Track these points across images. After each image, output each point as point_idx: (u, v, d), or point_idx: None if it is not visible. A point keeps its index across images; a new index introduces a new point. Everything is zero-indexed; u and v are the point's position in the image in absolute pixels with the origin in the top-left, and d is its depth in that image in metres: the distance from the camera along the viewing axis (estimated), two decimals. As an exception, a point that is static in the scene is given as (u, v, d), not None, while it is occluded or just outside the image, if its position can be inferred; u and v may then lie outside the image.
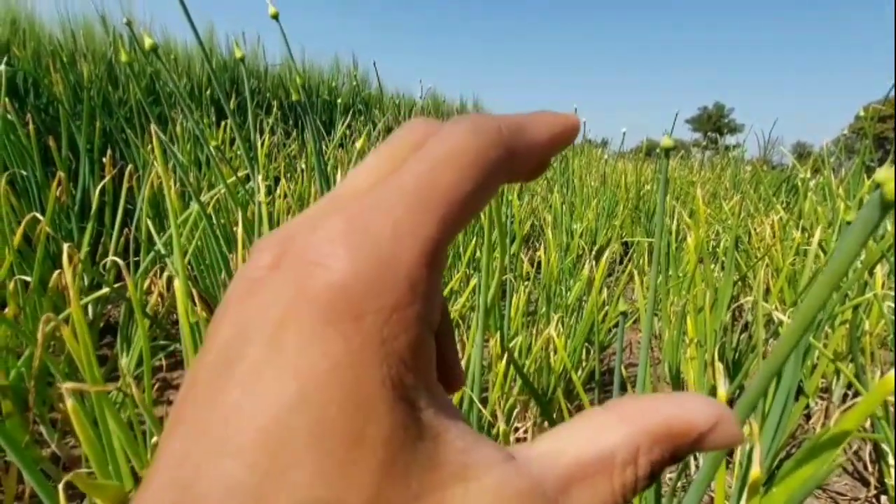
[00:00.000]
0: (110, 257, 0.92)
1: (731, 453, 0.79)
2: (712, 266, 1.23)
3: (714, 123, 76.31)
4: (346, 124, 2.08)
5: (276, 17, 0.84)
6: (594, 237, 1.73)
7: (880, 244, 0.78)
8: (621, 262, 1.69)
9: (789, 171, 2.69)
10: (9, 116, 1.19)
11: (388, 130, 3.19)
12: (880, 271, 1.01)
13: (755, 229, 1.60)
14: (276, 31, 0.91)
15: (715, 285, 1.04)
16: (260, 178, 0.87)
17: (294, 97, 2.24)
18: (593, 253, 1.58)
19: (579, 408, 1.06)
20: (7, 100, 1.21)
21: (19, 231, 0.87)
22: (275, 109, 2.30)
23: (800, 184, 1.87)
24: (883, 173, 0.20)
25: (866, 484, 0.91)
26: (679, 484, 0.81)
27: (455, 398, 0.71)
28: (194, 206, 0.93)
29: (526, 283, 1.19)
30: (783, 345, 0.27)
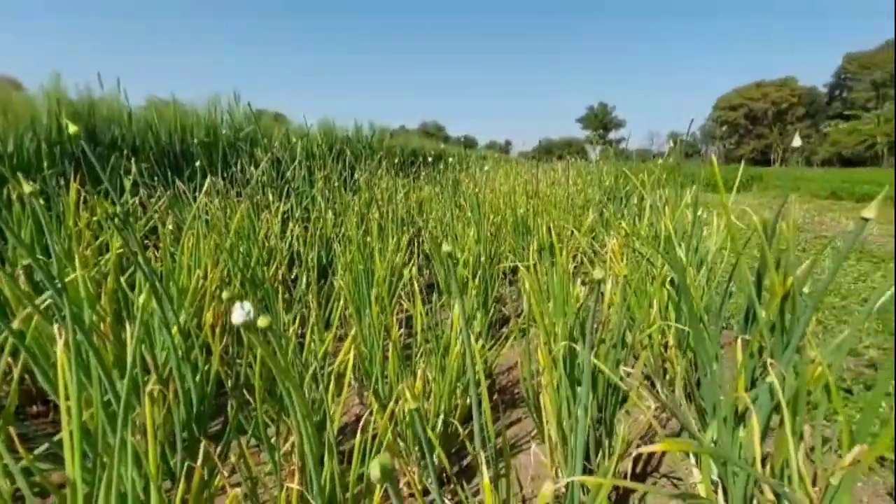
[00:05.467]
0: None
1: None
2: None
3: (601, 120, 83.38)
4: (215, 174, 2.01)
5: (77, 135, 0.79)
6: (478, 265, 1.85)
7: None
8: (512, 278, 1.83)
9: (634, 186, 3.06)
10: None
11: (277, 163, 3.12)
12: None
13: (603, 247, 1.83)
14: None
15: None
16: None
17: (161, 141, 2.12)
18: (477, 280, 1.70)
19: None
20: None
21: None
22: (131, 163, 2.16)
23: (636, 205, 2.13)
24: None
25: None
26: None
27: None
28: None
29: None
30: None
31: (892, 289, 0.89)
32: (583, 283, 1.39)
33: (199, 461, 0.63)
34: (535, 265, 1.67)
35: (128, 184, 1.71)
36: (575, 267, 2.20)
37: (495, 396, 1.43)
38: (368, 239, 1.91)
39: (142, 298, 0.63)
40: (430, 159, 4.44)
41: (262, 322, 0.43)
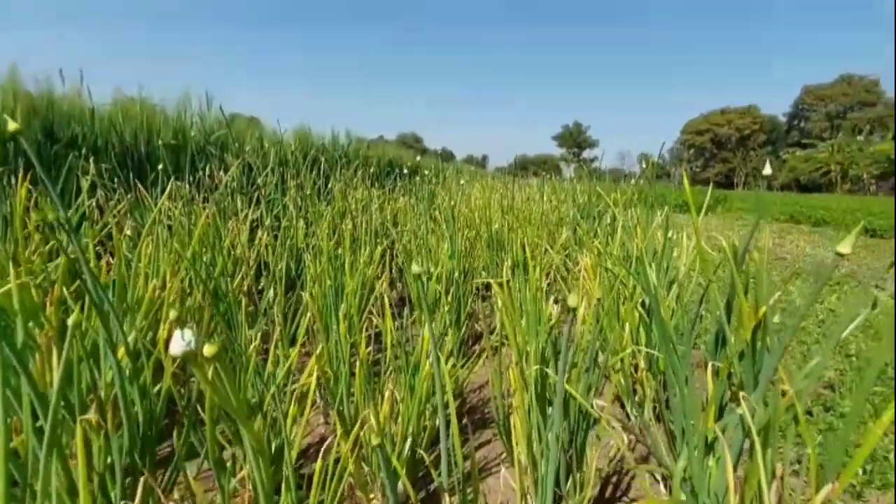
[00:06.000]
0: None
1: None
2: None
3: (575, 139, 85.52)
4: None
5: (18, 131, 0.71)
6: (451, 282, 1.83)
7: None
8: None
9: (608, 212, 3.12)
10: None
11: (248, 169, 3.02)
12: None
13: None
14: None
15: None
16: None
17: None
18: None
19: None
20: None
21: None
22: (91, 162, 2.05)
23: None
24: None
25: None
26: None
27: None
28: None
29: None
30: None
31: (856, 320, 0.91)
32: (555, 301, 1.38)
33: (139, 497, 0.57)
34: (508, 282, 1.66)
35: (85, 184, 1.61)
36: (548, 284, 2.20)
37: (464, 420, 1.39)
38: (340, 251, 1.86)
39: (72, 319, 0.57)
40: (405, 171, 4.41)
41: (209, 351, 0.39)
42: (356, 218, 2.41)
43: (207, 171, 2.29)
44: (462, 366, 1.38)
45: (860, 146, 47.59)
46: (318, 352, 0.97)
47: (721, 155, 70.26)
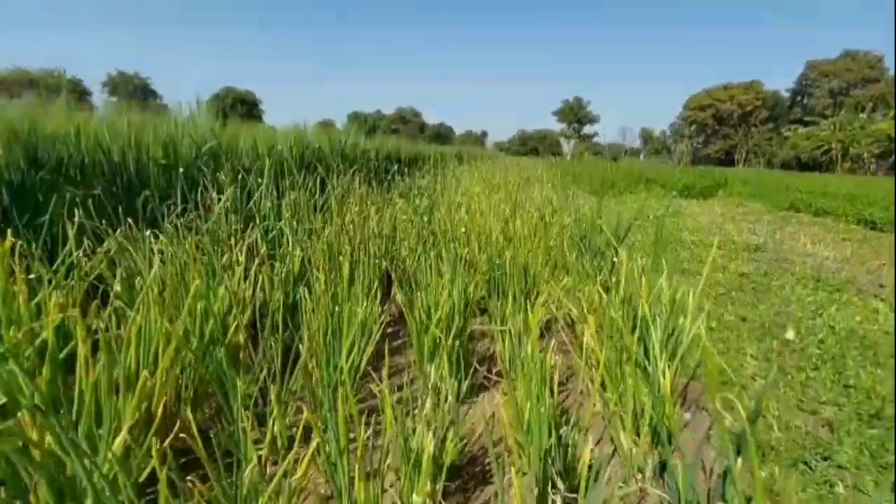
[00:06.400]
0: None
1: None
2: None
3: (576, 114, 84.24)
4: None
5: None
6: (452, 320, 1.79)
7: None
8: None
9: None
10: None
11: (242, 179, 2.94)
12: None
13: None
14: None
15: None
16: None
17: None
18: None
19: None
20: None
21: None
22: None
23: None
24: None
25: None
26: None
27: None
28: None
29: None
30: None
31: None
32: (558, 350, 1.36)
33: None
34: (509, 329, 1.63)
35: (72, 231, 1.55)
36: (550, 319, 2.18)
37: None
38: (338, 289, 1.82)
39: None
40: (405, 168, 4.34)
41: None
42: (353, 240, 2.36)
43: (199, 193, 2.22)
44: (462, 435, 1.36)
45: (862, 124, 47.09)
46: (312, 447, 0.95)
47: (723, 131, 69.51)
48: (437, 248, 2.49)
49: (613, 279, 1.95)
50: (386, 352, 1.52)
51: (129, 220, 1.88)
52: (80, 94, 71.85)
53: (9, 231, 1.40)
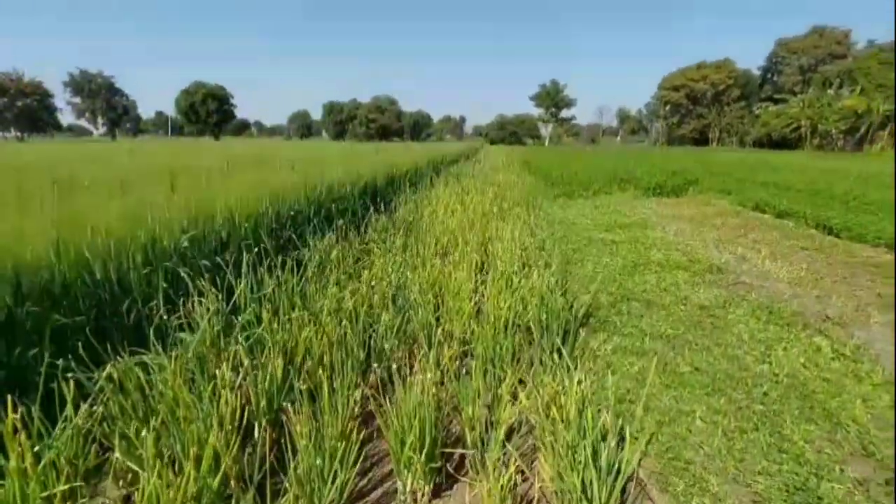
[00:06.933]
0: None
1: None
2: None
3: (553, 99, 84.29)
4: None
5: None
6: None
7: None
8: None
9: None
10: None
11: (220, 266, 3.04)
12: None
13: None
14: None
15: None
16: None
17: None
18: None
19: None
20: None
21: None
22: None
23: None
24: None
25: None
26: None
27: None
28: None
29: None
30: None
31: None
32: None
33: None
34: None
35: (68, 392, 1.68)
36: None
37: None
38: (320, 404, 1.99)
39: None
40: (380, 201, 4.46)
41: None
42: (331, 336, 2.52)
43: (185, 303, 2.35)
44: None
45: (829, 101, 48.30)
46: None
47: (697, 111, 70.52)
48: (409, 342, 2.68)
49: (567, 382, 2.15)
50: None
51: (112, 347, 2.00)
52: (41, 97, 69.02)
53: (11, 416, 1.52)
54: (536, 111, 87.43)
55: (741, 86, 66.09)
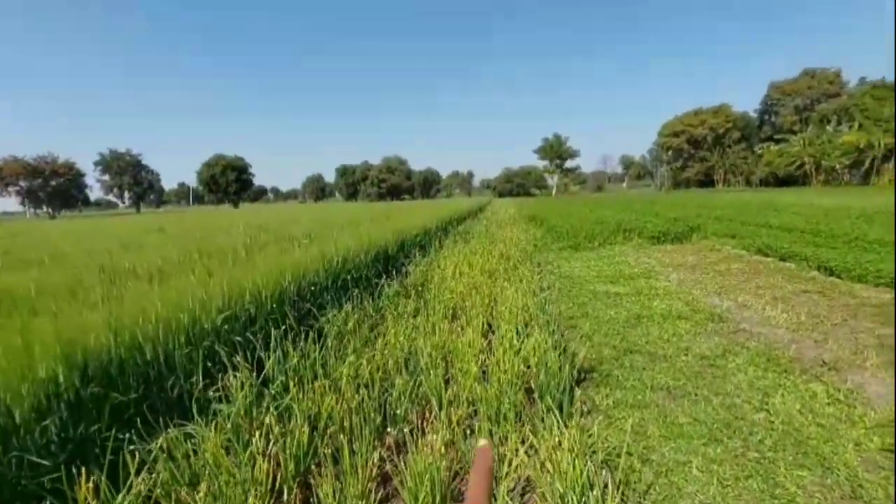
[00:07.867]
0: None
1: None
2: None
3: (556, 151, 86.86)
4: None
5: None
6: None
7: None
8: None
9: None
10: None
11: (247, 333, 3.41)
12: None
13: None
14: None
15: None
16: None
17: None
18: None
19: None
20: None
21: None
22: None
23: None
24: None
25: None
26: None
27: None
28: None
29: None
30: None
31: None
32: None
33: None
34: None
35: (132, 465, 1.99)
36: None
37: None
38: (342, 466, 2.25)
39: None
40: (391, 268, 4.82)
41: None
42: (350, 403, 2.80)
43: (221, 382, 2.69)
44: None
45: (829, 138, 49.12)
46: None
47: (699, 154, 71.86)
48: (422, 403, 2.94)
49: (559, 438, 2.38)
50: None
51: (161, 419, 2.32)
52: (73, 177, 73.70)
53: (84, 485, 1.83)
54: (541, 163, 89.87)
55: (741, 128, 67.68)
